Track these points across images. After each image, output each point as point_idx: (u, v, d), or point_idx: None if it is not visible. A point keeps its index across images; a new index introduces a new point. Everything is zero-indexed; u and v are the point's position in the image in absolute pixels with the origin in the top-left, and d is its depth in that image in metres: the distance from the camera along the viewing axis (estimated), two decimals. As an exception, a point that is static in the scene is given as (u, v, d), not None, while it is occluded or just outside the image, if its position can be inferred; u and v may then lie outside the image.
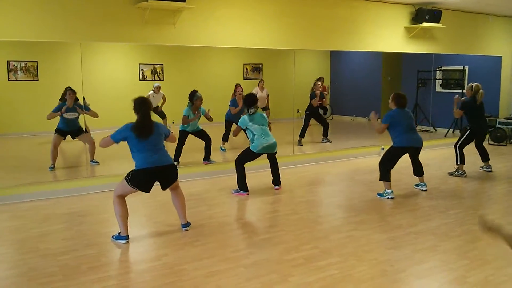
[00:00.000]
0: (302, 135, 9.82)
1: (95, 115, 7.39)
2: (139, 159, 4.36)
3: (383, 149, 9.26)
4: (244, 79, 11.92)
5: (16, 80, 9.48)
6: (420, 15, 9.09)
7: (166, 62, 11.78)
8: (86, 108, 7.31)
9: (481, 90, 7.53)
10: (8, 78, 9.39)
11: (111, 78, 9.79)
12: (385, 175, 6.17)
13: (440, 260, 4.06)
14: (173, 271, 3.82)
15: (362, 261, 4.02)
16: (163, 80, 11.64)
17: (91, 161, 7.60)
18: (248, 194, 6.27)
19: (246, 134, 6.48)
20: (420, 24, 9.09)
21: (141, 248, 4.41)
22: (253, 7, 7.53)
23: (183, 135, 7.67)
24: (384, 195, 6.16)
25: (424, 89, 12.16)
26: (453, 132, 11.39)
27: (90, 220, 5.25)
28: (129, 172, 4.42)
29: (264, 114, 6.46)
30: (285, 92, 12.28)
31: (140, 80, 11.73)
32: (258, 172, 7.56)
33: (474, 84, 7.59)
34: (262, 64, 12.86)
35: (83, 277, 3.71)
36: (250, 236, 4.71)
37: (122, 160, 7.96)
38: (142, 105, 4.30)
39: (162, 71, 11.89)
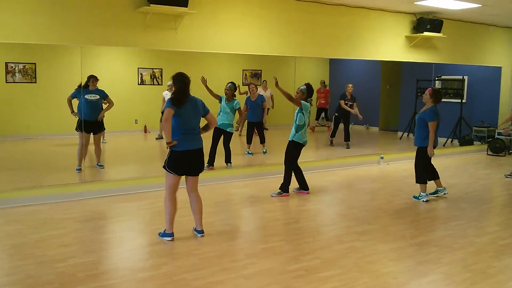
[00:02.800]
0: (333, 135, 10.39)
1: (111, 103, 7.58)
2: (180, 140, 4.57)
3: (382, 157, 9.23)
4: (243, 84, 11.89)
5: (14, 82, 9.41)
6: (421, 24, 9.09)
7: (165, 67, 11.73)
8: (104, 95, 7.54)
9: None
10: (6, 80, 9.31)
11: (109, 82, 9.71)
12: (422, 177, 6.37)
13: (444, 272, 4.01)
14: (173, 280, 3.75)
15: (364, 273, 3.96)
16: (161, 84, 11.60)
17: (97, 164, 7.65)
18: (288, 195, 6.54)
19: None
20: (421, 34, 9.08)
21: (140, 256, 4.33)
22: (254, 13, 7.49)
23: None
24: (420, 198, 6.40)
25: (423, 98, 12.16)
26: (451, 141, 11.37)
27: (88, 226, 5.17)
28: (165, 159, 4.64)
29: None
30: (284, 99, 12.27)
31: (138, 84, 11.68)
32: (255, 180, 7.51)
33: None
34: (261, 70, 12.84)
35: (81, 285, 3.64)
36: (250, 245, 4.64)
37: (121, 165, 7.92)
38: (178, 79, 4.62)
39: (161, 75, 11.84)
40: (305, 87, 6.50)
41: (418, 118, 6.41)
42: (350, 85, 10.32)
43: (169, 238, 4.68)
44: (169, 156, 4.62)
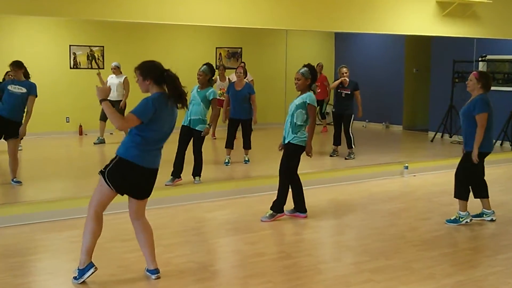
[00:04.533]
0: (336, 141, 10.12)
1: (30, 108, 7.51)
2: (140, 151, 4.49)
3: (406, 167, 9.27)
4: (216, 67, 11.90)
5: None
6: (457, -15, 9.18)
7: (108, 44, 11.71)
8: (32, 92, 7.49)
9: None
10: None
11: (30, 65, 9.65)
12: (462, 192, 6.37)
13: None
14: None
15: (380, 327, 3.97)
16: (103, 68, 11.55)
17: (13, 180, 7.57)
18: (283, 216, 6.59)
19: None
20: (458, -2, 9.18)
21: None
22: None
23: None
24: (461, 219, 6.38)
25: (463, 86, 12.26)
26: (501, 144, 11.45)
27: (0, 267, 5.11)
28: (108, 164, 4.52)
29: None
30: (272, 87, 12.30)
31: (71, 68, 11.64)
32: (234, 199, 7.49)
33: None
34: (241, 48, 12.89)
35: None
36: (224, 290, 4.62)
37: (46, 181, 7.83)
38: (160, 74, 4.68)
39: (102, 56, 11.81)
40: (307, 69, 6.45)
41: (463, 113, 6.44)
42: (345, 69, 9.91)
43: (92, 270, 4.54)
44: (118, 164, 4.50)
